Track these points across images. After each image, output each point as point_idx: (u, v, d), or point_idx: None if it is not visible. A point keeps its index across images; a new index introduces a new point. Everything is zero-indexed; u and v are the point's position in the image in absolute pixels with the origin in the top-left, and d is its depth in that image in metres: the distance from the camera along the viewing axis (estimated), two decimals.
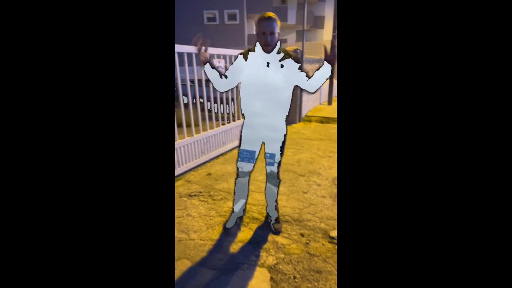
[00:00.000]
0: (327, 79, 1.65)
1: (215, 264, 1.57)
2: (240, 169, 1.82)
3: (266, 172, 1.80)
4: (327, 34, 16.55)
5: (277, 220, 1.92)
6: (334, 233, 1.85)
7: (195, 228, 1.93)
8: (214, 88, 1.74)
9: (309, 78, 1.63)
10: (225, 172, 2.94)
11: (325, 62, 1.59)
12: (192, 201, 2.32)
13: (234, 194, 1.91)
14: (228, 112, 3.66)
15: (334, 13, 7.26)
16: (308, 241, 1.77)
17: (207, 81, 1.74)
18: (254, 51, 1.61)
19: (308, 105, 6.53)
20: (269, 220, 1.93)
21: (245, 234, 1.85)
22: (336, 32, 7.01)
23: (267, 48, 1.55)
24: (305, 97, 5.90)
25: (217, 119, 3.43)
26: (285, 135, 1.72)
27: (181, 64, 2.63)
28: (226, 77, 1.65)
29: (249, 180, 1.87)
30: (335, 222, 1.98)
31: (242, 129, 1.78)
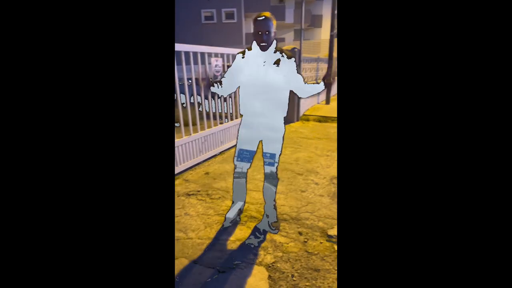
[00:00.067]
0: (317, 93, 1.71)
1: (213, 263, 1.57)
2: (240, 170, 1.82)
3: (266, 172, 1.79)
4: (325, 33, 16.56)
5: (275, 218, 1.93)
6: (332, 232, 1.85)
7: (193, 227, 1.93)
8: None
9: (305, 84, 1.66)
10: (223, 171, 2.94)
11: (322, 82, 1.66)
12: (190, 200, 2.32)
13: (233, 195, 1.91)
14: (225, 111, 3.66)
15: (331, 12, 7.26)
16: (306, 240, 1.78)
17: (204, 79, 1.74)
18: (251, 50, 1.62)
19: (306, 104, 6.53)
20: (267, 219, 1.93)
21: (243, 233, 1.85)
22: (334, 31, 7.02)
23: (264, 46, 1.57)
24: None
25: (215, 118, 3.42)
26: (283, 135, 1.73)
27: (179, 63, 2.62)
28: (220, 83, 1.68)
29: (246, 179, 1.88)
30: (333, 221, 1.98)
31: (239, 128, 1.78)
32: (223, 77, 1.72)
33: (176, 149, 2.79)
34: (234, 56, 1.68)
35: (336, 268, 1.53)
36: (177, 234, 1.84)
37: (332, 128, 4.99)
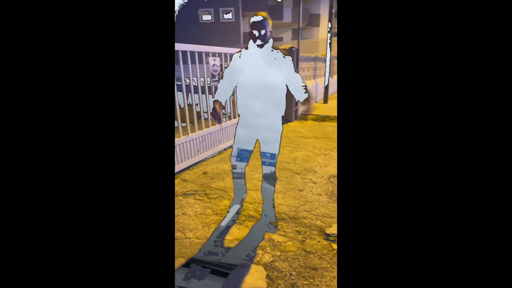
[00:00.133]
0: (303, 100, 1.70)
1: (211, 262, 1.57)
2: (240, 170, 1.82)
3: (266, 172, 1.79)
4: (322, 32, 16.57)
5: (273, 218, 1.93)
6: (329, 230, 1.86)
7: (191, 226, 1.93)
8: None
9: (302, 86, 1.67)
10: (221, 171, 2.94)
11: (309, 96, 1.67)
12: (187, 200, 2.31)
13: (235, 195, 1.93)
14: (224, 111, 3.65)
15: (329, 11, 7.26)
16: (304, 239, 1.78)
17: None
18: (247, 49, 1.64)
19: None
20: (266, 219, 1.94)
21: (241, 232, 1.85)
22: (332, 30, 7.02)
23: (260, 45, 1.60)
24: None
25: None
26: (281, 134, 1.74)
27: (176, 62, 2.62)
28: (216, 89, 1.72)
29: (245, 178, 1.90)
30: (331, 219, 1.99)
31: (237, 128, 1.78)
32: (220, 78, 1.73)
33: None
34: (231, 56, 1.68)
35: (333, 267, 1.53)
36: (175, 234, 1.84)
37: (330, 127, 5.00)
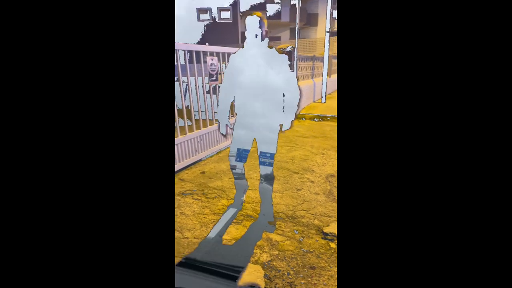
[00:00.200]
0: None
1: (209, 262, 1.57)
2: (240, 171, 1.83)
3: (266, 173, 1.80)
4: (320, 31, 16.58)
5: (271, 217, 1.93)
6: (327, 229, 1.87)
7: (188, 226, 1.93)
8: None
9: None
10: (219, 170, 2.94)
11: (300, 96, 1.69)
12: (185, 200, 2.31)
13: (236, 195, 1.94)
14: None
15: (327, 10, 7.27)
16: (301, 238, 1.78)
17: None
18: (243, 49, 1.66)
19: (302, 103, 6.54)
20: (264, 218, 1.94)
21: (239, 232, 1.85)
22: (330, 29, 7.03)
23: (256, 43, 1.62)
24: None
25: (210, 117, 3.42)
26: (278, 134, 1.75)
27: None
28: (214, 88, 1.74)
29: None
30: (329, 219, 2.00)
31: (235, 129, 1.78)
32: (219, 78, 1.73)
33: None
34: (229, 55, 1.69)
35: (331, 266, 1.54)
36: None
37: (328, 127, 5.01)
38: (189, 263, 1.55)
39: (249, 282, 1.41)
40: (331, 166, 3.03)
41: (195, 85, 2.99)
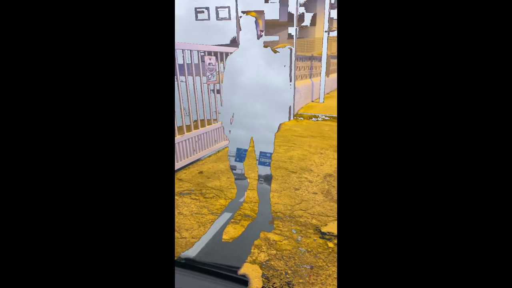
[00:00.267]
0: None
1: (207, 262, 1.57)
2: (240, 171, 1.83)
3: (265, 173, 1.80)
4: (319, 31, 16.60)
5: (269, 217, 1.94)
6: (325, 229, 1.87)
7: (186, 226, 1.92)
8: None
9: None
10: (217, 170, 2.94)
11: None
12: (183, 199, 2.31)
13: (236, 195, 1.94)
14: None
15: (326, 10, 7.27)
16: (300, 237, 1.79)
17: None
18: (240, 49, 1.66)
19: (300, 102, 6.55)
20: (262, 218, 1.94)
21: (237, 231, 1.85)
22: (328, 28, 7.04)
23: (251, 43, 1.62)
24: (297, 94, 5.92)
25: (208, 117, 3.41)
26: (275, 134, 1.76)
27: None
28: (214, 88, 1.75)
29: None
30: (326, 218, 2.00)
31: (234, 128, 1.78)
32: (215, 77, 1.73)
33: None
34: (227, 55, 1.69)
35: (329, 265, 1.54)
36: None
37: (325, 126, 5.02)
38: (187, 264, 1.55)
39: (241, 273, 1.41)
40: (329, 165, 3.03)
41: (193, 85, 2.98)
